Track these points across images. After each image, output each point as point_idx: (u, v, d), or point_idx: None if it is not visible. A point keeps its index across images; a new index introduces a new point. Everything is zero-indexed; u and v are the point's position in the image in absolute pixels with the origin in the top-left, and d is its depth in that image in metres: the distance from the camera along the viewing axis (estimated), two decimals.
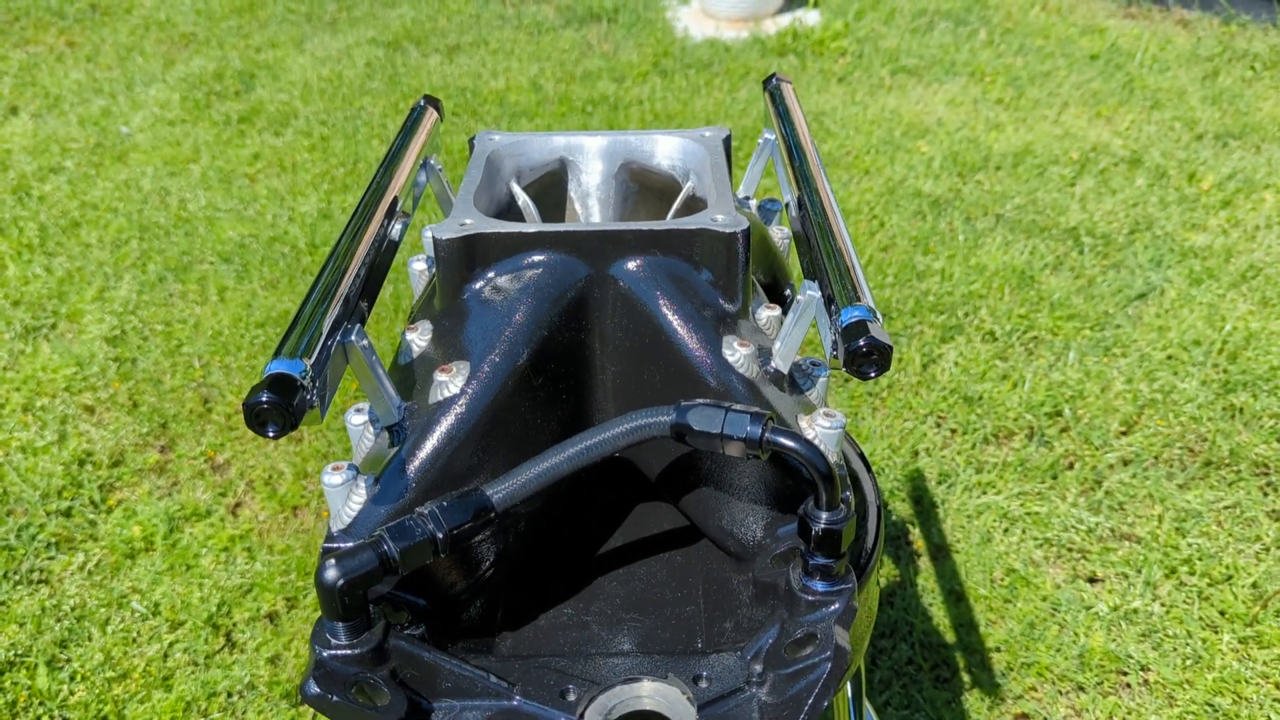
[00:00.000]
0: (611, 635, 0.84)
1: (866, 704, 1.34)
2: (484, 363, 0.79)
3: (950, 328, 2.72)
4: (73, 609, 2.00)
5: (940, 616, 1.92)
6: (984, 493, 2.21)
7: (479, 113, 4.07)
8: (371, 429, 0.81)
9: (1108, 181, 3.43)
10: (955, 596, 1.96)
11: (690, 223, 0.83)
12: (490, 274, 0.84)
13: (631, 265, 0.83)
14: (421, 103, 1.14)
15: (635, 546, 0.94)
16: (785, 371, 0.83)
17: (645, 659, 0.79)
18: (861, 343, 0.69)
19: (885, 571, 2.02)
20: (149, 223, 3.37)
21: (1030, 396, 2.46)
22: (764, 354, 0.83)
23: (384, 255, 0.92)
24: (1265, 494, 2.19)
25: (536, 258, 0.84)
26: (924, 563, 2.04)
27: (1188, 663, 1.83)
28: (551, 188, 1.06)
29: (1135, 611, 1.93)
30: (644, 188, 1.07)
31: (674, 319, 0.82)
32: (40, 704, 1.81)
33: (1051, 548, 2.08)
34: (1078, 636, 1.88)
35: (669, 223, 0.83)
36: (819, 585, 0.74)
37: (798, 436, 0.71)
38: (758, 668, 0.74)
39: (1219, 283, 2.87)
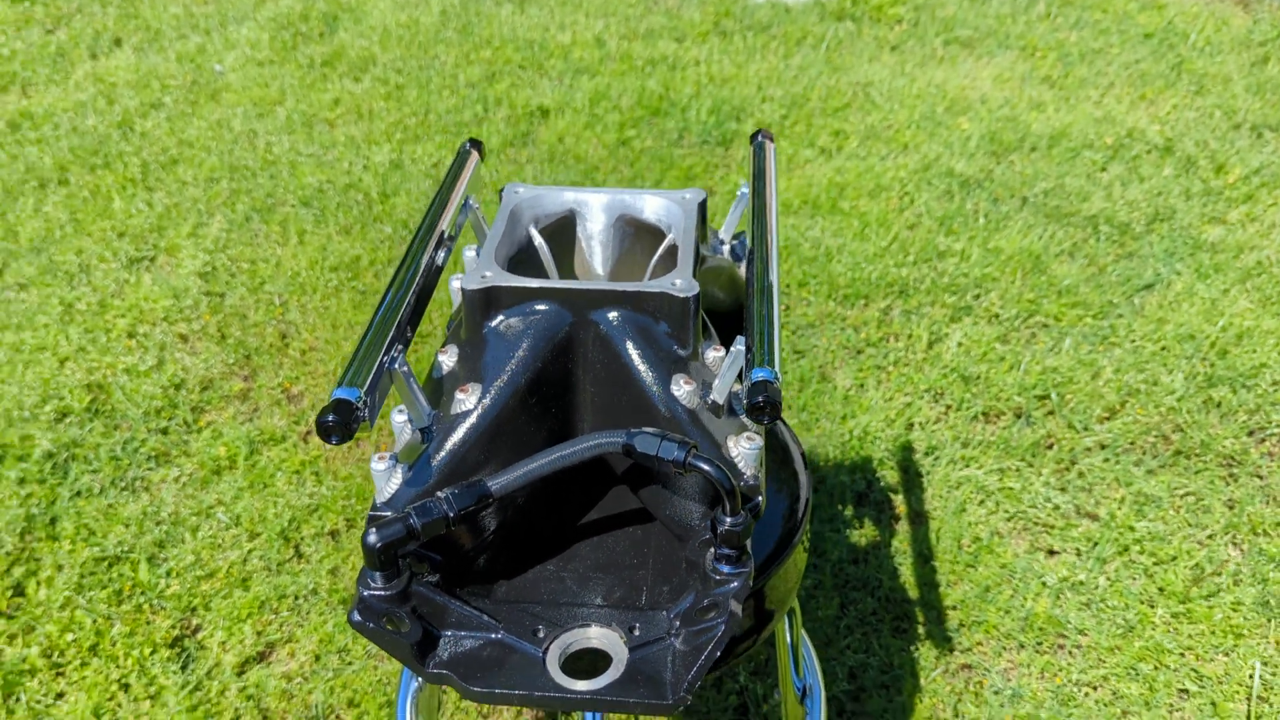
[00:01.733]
0: (580, 589, 1.13)
1: (804, 635, 1.63)
2: (492, 386, 1.07)
3: (960, 308, 2.94)
4: (169, 515, 2.36)
5: (907, 575, 2.20)
6: (966, 466, 2.46)
7: (544, 67, 4.30)
8: (410, 427, 1.10)
9: (1137, 169, 3.57)
10: (924, 558, 2.24)
11: (654, 286, 1.09)
12: (502, 316, 1.11)
13: (610, 315, 1.10)
14: (466, 145, 1.41)
15: (606, 521, 1.22)
16: (721, 402, 1.10)
17: (601, 610, 1.07)
18: (760, 399, 0.95)
19: (865, 531, 2.29)
20: (238, 163, 3.69)
21: (1024, 379, 2.69)
22: (706, 388, 1.10)
23: (431, 278, 1.21)
24: (1226, 484, 2.41)
25: (538, 306, 1.11)
26: (901, 526, 2.31)
27: (1120, 631, 2.09)
28: (564, 230, 1.32)
29: (1082, 583, 2.18)
30: (639, 232, 1.32)
31: (636, 359, 1.09)
32: (141, 594, 2.17)
33: (1018, 521, 2.33)
34: (1025, 601, 2.14)
35: (638, 285, 1.10)
36: (724, 568, 1.00)
37: (711, 462, 0.97)
38: (677, 624, 1.02)
39: (1225, 278, 3.04)
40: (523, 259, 1.27)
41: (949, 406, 2.63)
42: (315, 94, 4.13)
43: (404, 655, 0.99)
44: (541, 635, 1.03)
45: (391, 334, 1.07)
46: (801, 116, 3.93)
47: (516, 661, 1.01)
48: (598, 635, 1.03)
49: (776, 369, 0.99)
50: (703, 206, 1.28)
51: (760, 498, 1.05)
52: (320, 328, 2.91)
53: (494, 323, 1.11)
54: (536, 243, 1.29)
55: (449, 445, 1.05)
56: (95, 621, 2.11)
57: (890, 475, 2.44)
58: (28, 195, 3.56)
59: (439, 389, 1.12)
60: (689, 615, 1.01)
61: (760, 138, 1.46)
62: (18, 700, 1.97)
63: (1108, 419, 2.59)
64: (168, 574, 2.22)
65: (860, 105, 4.00)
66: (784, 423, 1.41)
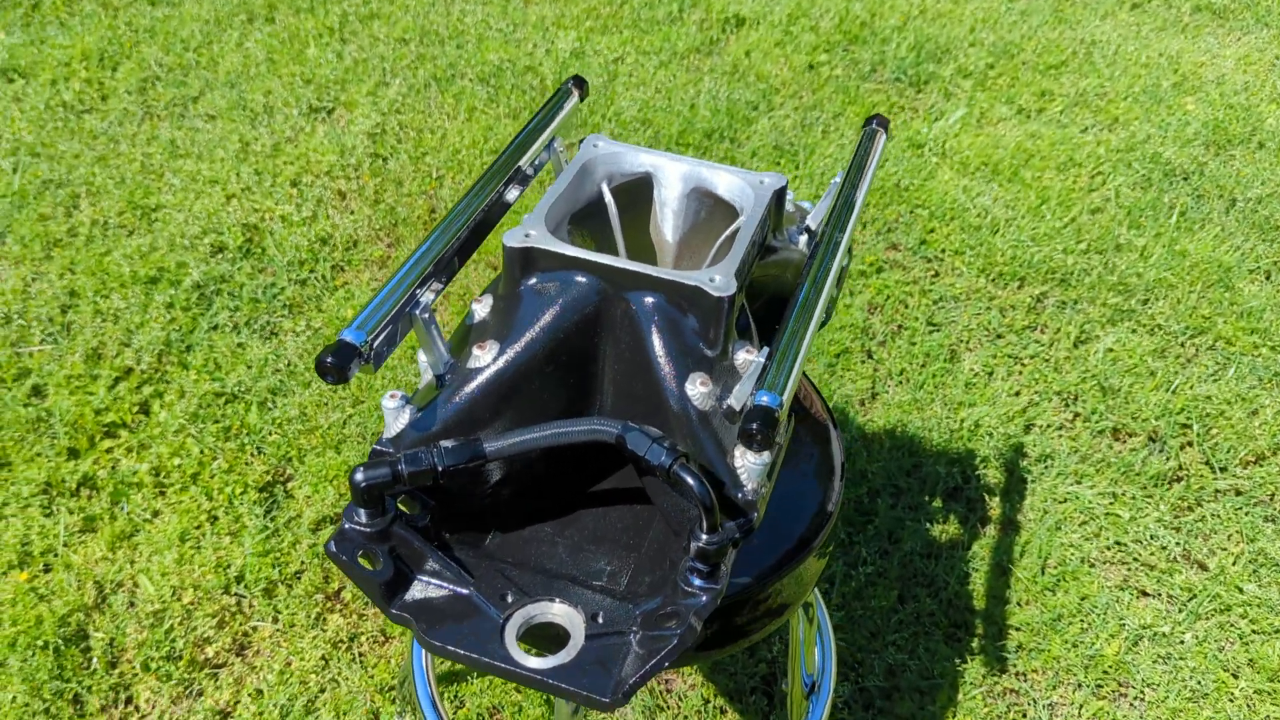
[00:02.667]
0: (567, 559, 1.13)
1: (828, 628, 1.60)
2: (510, 346, 1.06)
3: (1122, 311, 2.73)
4: (287, 365, 2.50)
5: (978, 584, 2.11)
6: (1077, 482, 2.32)
7: None
8: (430, 370, 1.11)
9: None
10: (1001, 570, 2.14)
11: (692, 278, 1.05)
12: (537, 278, 1.09)
13: (644, 299, 1.07)
14: (569, 84, 1.38)
15: (618, 493, 1.21)
16: (737, 409, 1.06)
17: (577, 587, 1.07)
18: (754, 425, 0.91)
19: (948, 528, 2.21)
20: (430, 28, 3.75)
21: (1169, 401, 2.49)
22: (726, 391, 1.06)
23: (495, 213, 1.21)
24: None
25: (575, 276, 1.09)
26: (988, 531, 2.21)
27: (1190, 695, 1.96)
28: (637, 192, 1.28)
29: (1165, 635, 2.04)
30: (715, 205, 1.27)
31: (658, 350, 1.05)
32: (246, 435, 2.32)
33: (1116, 552, 2.19)
34: (1097, 640, 2.03)
35: (675, 274, 1.05)
36: (695, 581, 0.98)
37: (696, 475, 0.94)
38: (638, 623, 1.02)
39: None
40: (589, 214, 1.24)
41: (1077, 415, 2.47)
42: None
43: (371, 592, 1.02)
44: (509, 600, 1.04)
45: (428, 271, 1.08)
46: (1008, 69, 3.65)
47: (477, 622, 1.02)
48: (561, 613, 1.03)
49: (785, 396, 0.95)
50: (780, 194, 1.21)
51: (756, 514, 1.02)
52: None
53: (530, 282, 1.10)
54: (606, 200, 1.25)
55: (457, 397, 1.06)
56: (201, 452, 2.27)
57: (992, 475, 2.33)
58: (235, 28, 3.73)
59: (465, 337, 1.12)
60: (651, 617, 1.00)
61: (874, 124, 1.36)
62: (121, 508, 2.16)
63: (1251, 464, 2.38)
64: (273, 421, 2.36)
65: (1077, 66, 3.69)
66: (834, 424, 1.36)
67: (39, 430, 2.28)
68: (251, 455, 2.28)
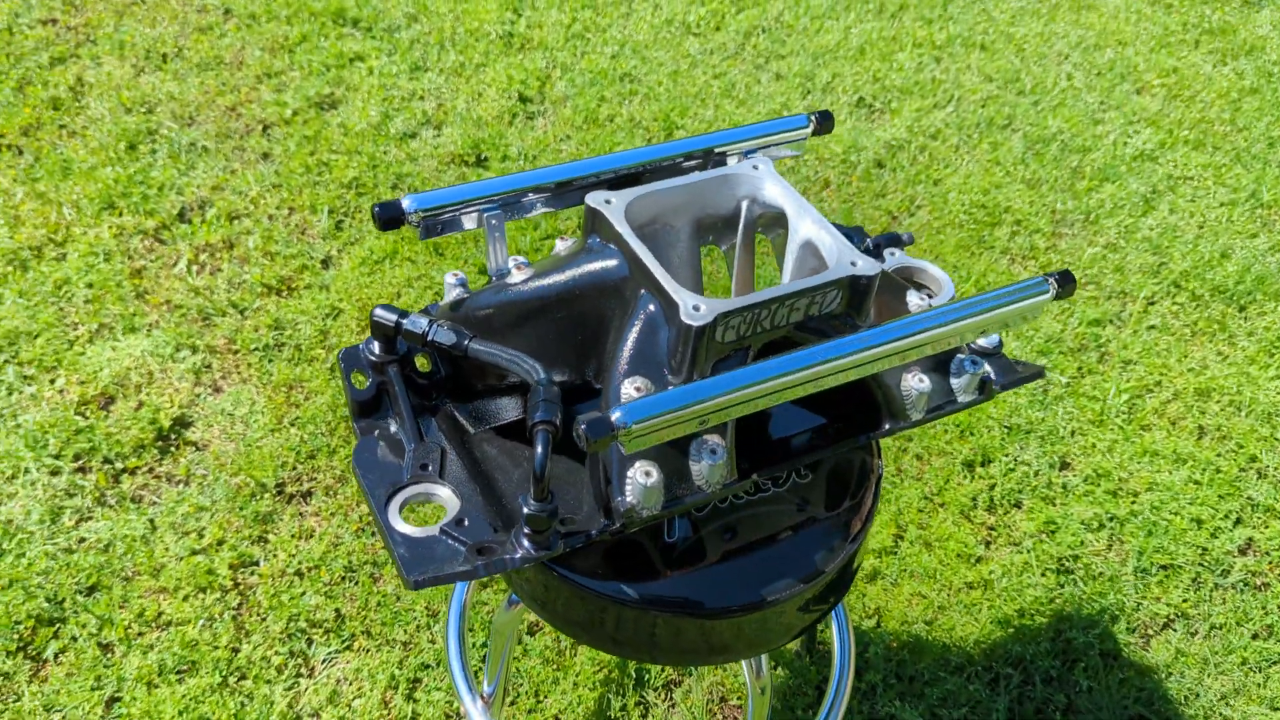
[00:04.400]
0: (505, 474, 1.10)
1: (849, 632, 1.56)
2: (535, 280, 1.10)
3: None
4: None
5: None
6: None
7: None
8: (457, 290, 1.16)
9: None
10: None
11: (680, 296, 1.00)
12: (595, 239, 1.11)
13: (649, 297, 1.07)
14: (815, 115, 1.35)
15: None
16: None
17: (480, 494, 1.06)
18: (579, 433, 0.87)
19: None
20: None
21: None
22: None
23: (659, 174, 1.22)
24: None
25: (616, 252, 1.10)
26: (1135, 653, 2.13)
27: None
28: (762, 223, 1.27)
29: None
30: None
31: (628, 343, 1.03)
32: None
33: None
34: None
35: (670, 287, 1.01)
36: (523, 540, 0.97)
37: (545, 445, 0.92)
38: (477, 545, 0.98)
39: None
40: (719, 225, 1.24)
41: None
42: None
43: (349, 401, 1.10)
44: (426, 470, 1.07)
45: (532, 183, 1.15)
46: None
47: (394, 469, 1.06)
48: (447, 498, 1.06)
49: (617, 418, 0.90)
50: (864, 280, 1.16)
51: (622, 524, 1.00)
52: None
53: (590, 240, 1.12)
54: (742, 218, 1.23)
55: (482, 299, 1.12)
56: None
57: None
58: None
59: (544, 263, 1.15)
60: (484, 547, 1.01)
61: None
62: None
63: None
64: None
65: None
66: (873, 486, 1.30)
67: None
68: None
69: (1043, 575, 2.07)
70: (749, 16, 3.55)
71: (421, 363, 1.16)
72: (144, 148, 2.82)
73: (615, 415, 0.91)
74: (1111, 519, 2.17)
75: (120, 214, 2.62)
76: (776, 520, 1.20)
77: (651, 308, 1.07)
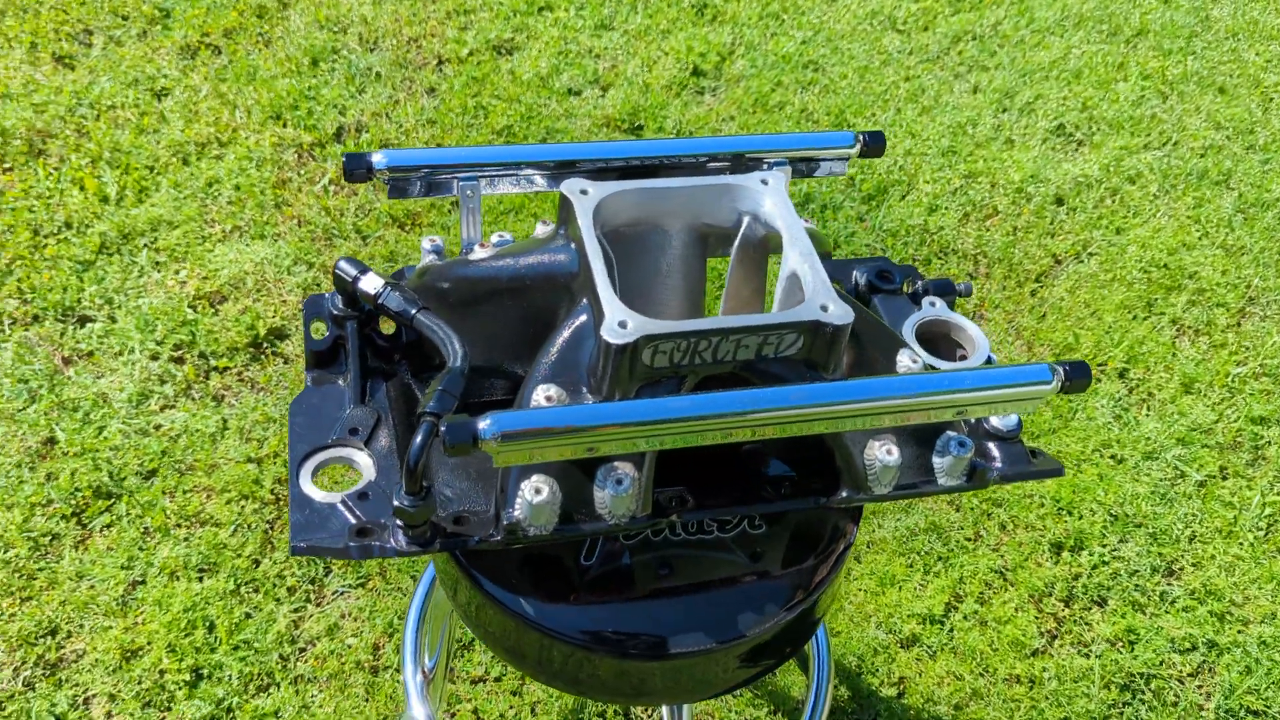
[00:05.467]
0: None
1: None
2: (491, 261, 1.04)
3: None
4: None
5: None
6: None
7: None
8: (432, 257, 1.12)
9: None
10: None
11: (610, 309, 0.94)
12: (564, 229, 1.05)
13: (585, 304, 0.99)
14: (865, 134, 1.25)
15: None
16: None
17: (398, 470, 1.01)
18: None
19: None
20: None
21: None
22: None
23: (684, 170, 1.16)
24: None
25: (571, 247, 1.03)
26: None
27: None
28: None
29: None
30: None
31: (554, 348, 0.98)
32: None
33: None
34: None
35: (604, 299, 0.93)
36: (397, 531, 0.93)
37: (423, 436, 0.86)
38: (358, 525, 0.96)
39: None
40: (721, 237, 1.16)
41: None
42: None
43: (306, 348, 1.08)
44: (355, 435, 1.04)
45: (518, 158, 1.10)
46: None
47: (322, 426, 1.04)
48: (364, 467, 1.02)
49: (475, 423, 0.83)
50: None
51: (505, 537, 0.93)
52: None
53: (559, 226, 1.06)
54: (740, 234, 1.15)
55: (442, 271, 1.07)
56: None
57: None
58: None
59: (514, 245, 1.10)
60: (364, 528, 0.96)
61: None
62: None
63: None
64: None
65: None
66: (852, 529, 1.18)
67: None
68: None
69: (1104, 688, 1.84)
70: (963, 20, 3.30)
71: (387, 325, 1.12)
72: (325, 65, 2.93)
73: (482, 424, 0.84)
74: (1209, 645, 1.91)
75: (284, 125, 2.74)
76: (711, 568, 1.10)
77: (586, 316, 0.99)
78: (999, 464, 1.09)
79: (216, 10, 3.04)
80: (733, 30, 3.18)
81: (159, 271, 2.36)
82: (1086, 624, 1.92)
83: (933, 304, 1.24)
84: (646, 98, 2.92)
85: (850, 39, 3.20)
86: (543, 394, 0.96)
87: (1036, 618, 1.92)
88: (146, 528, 1.93)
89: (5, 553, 1.86)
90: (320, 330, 1.09)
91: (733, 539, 1.13)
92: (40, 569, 1.86)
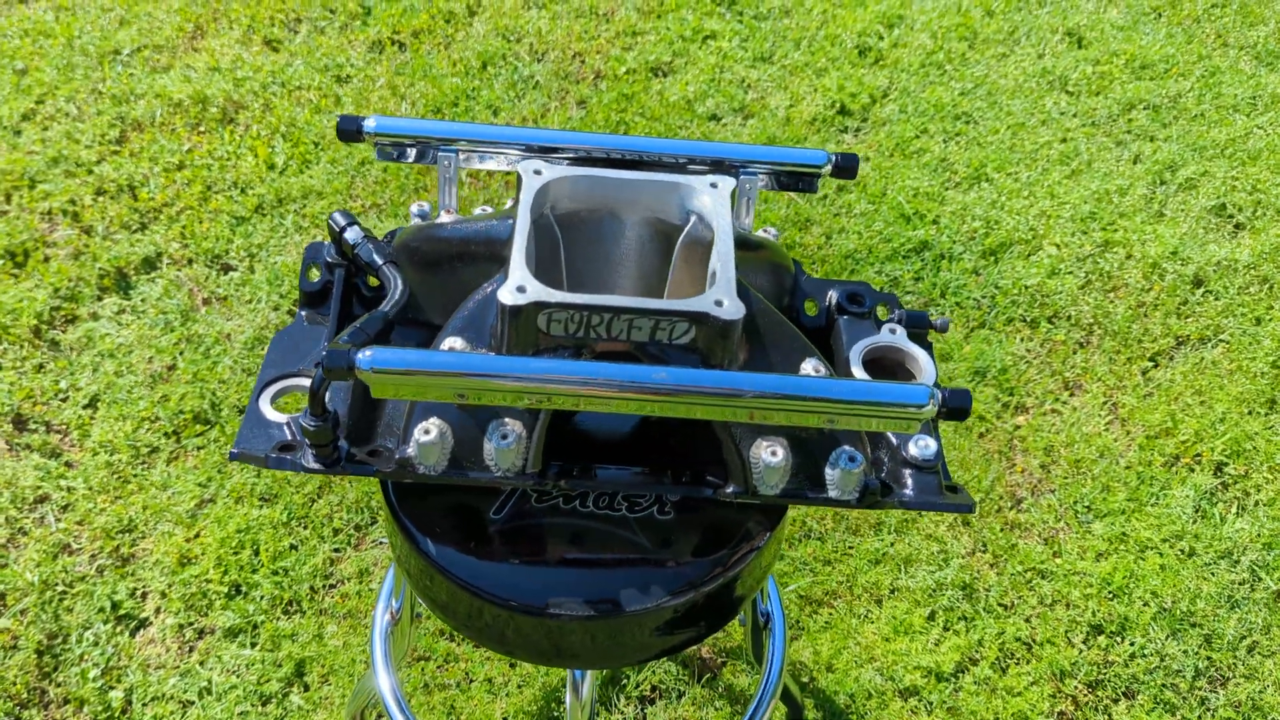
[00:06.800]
0: None
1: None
2: (449, 228, 1.14)
3: None
4: None
5: None
6: None
7: None
8: (419, 220, 1.23)
9: None
10: None
11: (517, 278, 0.99)
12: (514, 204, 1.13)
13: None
14: (839, 156, 1.29)
15: None
16: None
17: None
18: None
19: None
20: None
21: None
22: None
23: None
24: None
25: (508, 221, 1.11)
26: None
27: None
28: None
29: None
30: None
31: (470, 305, 1.07)
32: None
33: None
34: None
35: (515, 271, 0.99)
36: (310, 450, 1.01)
37: (321, 372, 0.93)
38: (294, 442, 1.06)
39: None
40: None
41: None
42: None
43: (299, 289, 1.20)
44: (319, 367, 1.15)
45: (498, 138, 1.17)
46: None
47: (293, 358, 1.14)
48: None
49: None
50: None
51: (390, 468, 1.01)
52: None
53: (516, 202, 1.15)
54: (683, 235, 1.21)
55: (415, 233, 1.16)
56: None
57: None
58: None
59: (481, 215, 1.20)
60: (288, 443, 1.05)
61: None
62: None
63: None
64: None
65: None
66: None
67: None
68: None
69: None
70: (1141, 89, 3.16)
71: (372, 279, 1.21)
72: (492, 70, 3.14)
73: (360, 355, 0.93)
74: None
75: (441, 118, 2.95)
76: (607, 542, 1.15)
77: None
78: (909, 491, 1.09)
79: (411, 12, 3.31)
80: (890, 74, 3.18)
81: (300, 235, 2.60)
82: (1108, 714, 1.81)
83: (893, 331, 1.24)
84: (785, 130, 2.96)
85: (1012, 95, 3.13)
86: (448, 344, 1.04)
87: (1052, 696, 1.82)
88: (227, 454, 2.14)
89: (111, 456, 2.11)
90: (314, 275, 1.19)
91: (638, 520, 1.17)
92: (134, 474, 2.09)
